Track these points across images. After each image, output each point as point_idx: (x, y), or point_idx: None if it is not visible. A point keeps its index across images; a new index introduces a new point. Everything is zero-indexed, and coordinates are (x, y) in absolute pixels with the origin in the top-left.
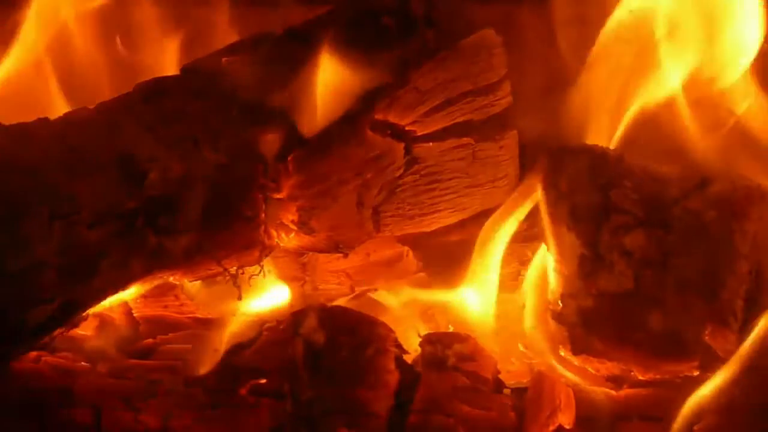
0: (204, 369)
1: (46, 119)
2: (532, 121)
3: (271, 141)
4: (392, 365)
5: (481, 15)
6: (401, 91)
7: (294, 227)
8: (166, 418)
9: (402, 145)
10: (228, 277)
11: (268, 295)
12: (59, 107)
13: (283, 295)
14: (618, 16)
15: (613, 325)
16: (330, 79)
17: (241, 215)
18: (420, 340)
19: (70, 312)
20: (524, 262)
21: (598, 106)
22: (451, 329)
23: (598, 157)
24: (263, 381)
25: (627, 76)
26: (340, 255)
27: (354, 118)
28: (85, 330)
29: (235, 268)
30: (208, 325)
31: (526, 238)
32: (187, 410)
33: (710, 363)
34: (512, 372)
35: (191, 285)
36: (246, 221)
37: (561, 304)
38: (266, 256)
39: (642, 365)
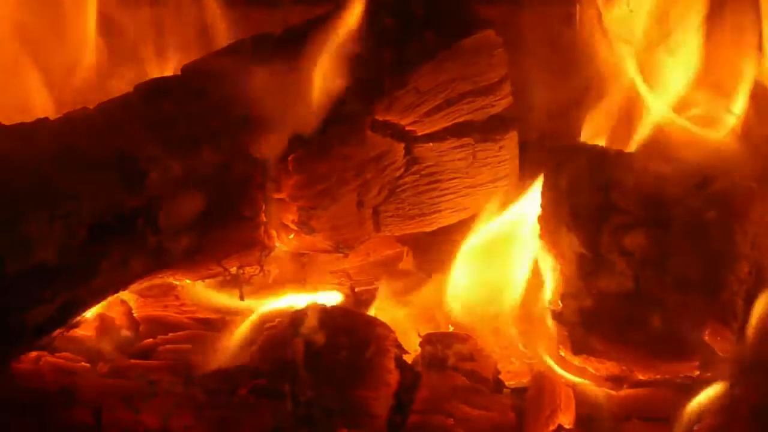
0: (204, 369)
1: (46, 119)
2: (533, 121)
3: (271, 141)
4: (392, 365)
5: (481, 15)
6: (401, 92)
7: (294, 227)
8: (166, 418)
9: (402, 145)
10: (228, 277)
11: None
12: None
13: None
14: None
15: (613, 325)
16: (330, 79)
17: (241, 215)
18: (420, 340)
19: (70, 312)
20: (524, 262)
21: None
22: (451, 329)
23: (598, 157)
24: (263, 381)
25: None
26: (340, 255)
27: (354, 118)
28: (85, 330)
29: (235, 268)
30: (208, 325)
31: (526, 238)
32: (187, 410)
33: (710, 363)
34: (512, 372)
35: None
36: (246, 221)
37: (561, 304)
38: (266, 256)
39: (642, 365)
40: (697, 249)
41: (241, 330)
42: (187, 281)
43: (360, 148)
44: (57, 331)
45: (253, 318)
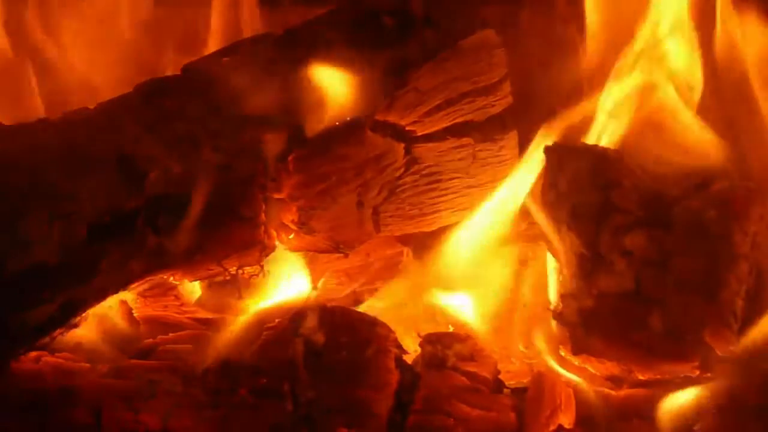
0: (204, 369)
1: (46, 119)
2: (532, 121)
3: (271, 141)
4: (392, 365)
5: (481, 15)
6: (401, 92)
7: (294, 227)
8: (166, 418)
9: (402, 145)
10: (228, 277)
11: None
12: None
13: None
14: None
15: (613, 326)
16: (330, 79)
17: (241, 215)
18: (420, 340)
19: (70, 312)
20: (524, 262)
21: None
22: (451, 329)
23: (598, 157)
24: (263, 381)
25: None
26: (340, 255)
27: (354, 118)
28: (85, 330)
29: (235, 268)
30: (208, 325)
31: (526, 238)
32: (187, 410)
33: (710, 363)
34: (512, 372)
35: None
36: (246, 221)
37: (561, 304)
38: (266, 256)
39: (642, 365)
40: (697, 249)
41: (241, 330)
42: (187, 281)
43: (360, 148)
44: (57, 331)
45: (252, 318)
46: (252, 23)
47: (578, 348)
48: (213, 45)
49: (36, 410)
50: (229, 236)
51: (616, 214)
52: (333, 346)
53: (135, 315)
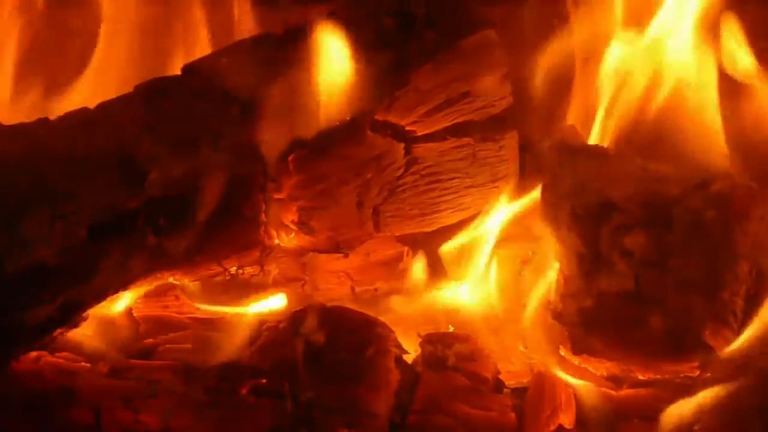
0: (204, 369)
1: (46, 119)
2: (532, 121)
3: (271, 141)
4: (392, 365)
5: (481, 15)
6: (401, 92)
7: (294, 227)
8: (166, 418)
9: (402, 145)
10: (228, 278)
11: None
12: None
13: (281, 301)
14: None
15: (613, 325)
16: (330, 80)
17: (242, 215)
18: (420, 340)
19: (70, 312)
20: (524, 262)
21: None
22: (451, 329)
23: (598, 157)
24: (263, 381)
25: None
26: (340, 255)
27: (354, 118)
28: (85, 330)
29: (235, 268)
30: (208, 325)
31: (526, 238)
32: (187, 410)
33: (710, 363)
34: (512, 372)
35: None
36: (246, 221)
37: (561, 304)
38: (266, 256)
39: (642, 365)
40: (697, 249)
41: (241, 330)
42: (187, 281)
43: (360, 148)
44: (57, 331)
45: (252, 318)
46: (247, 23)
47: (578, 348)
48: (211, 45)
49: (36, 410)
50: (229, 236)
51: (616, 214)
52: (333, 346)
53: (135, 315)
